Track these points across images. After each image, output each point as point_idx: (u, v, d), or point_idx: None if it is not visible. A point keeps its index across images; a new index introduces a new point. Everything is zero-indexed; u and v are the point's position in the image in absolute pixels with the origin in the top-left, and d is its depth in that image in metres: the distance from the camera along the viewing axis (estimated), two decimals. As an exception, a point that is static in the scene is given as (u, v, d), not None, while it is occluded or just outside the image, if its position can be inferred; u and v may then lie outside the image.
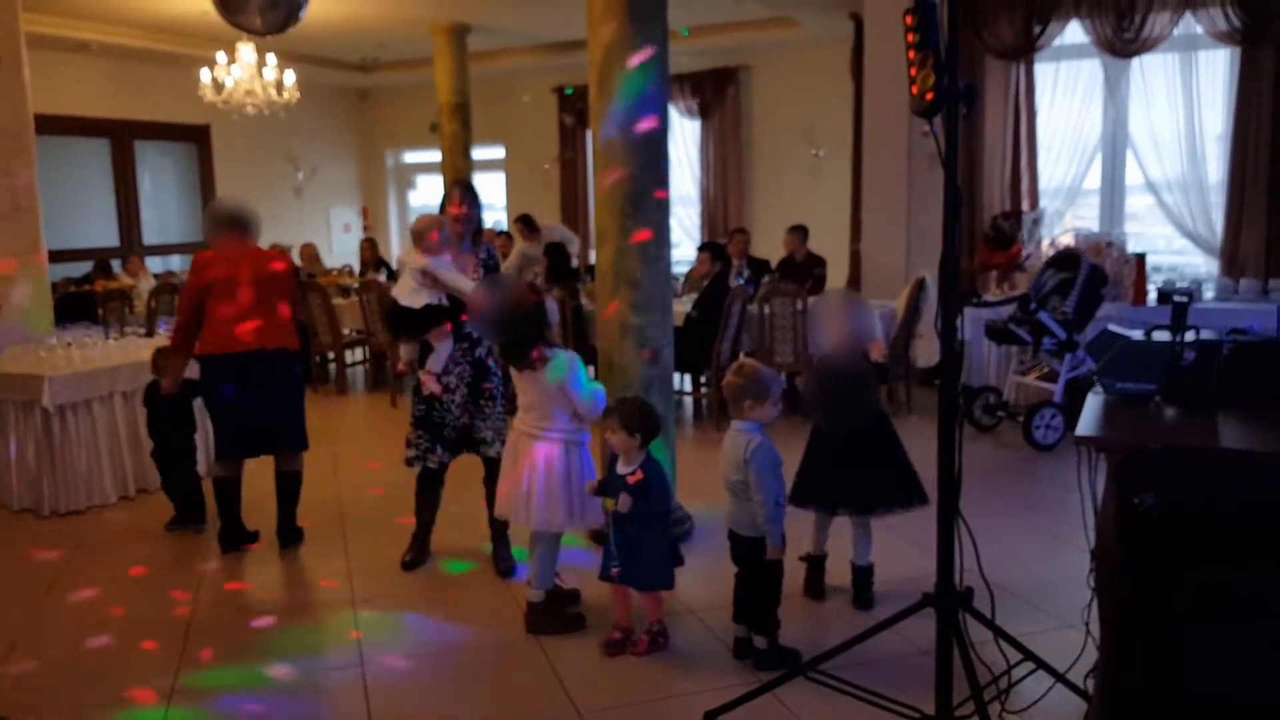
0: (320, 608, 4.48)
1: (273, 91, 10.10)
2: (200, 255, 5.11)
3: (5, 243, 6.44)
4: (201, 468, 5.78)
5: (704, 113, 12.78)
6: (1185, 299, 3.39)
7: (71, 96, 11.33)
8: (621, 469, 3.81)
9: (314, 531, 5.43)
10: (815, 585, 4.42)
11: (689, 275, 9.10)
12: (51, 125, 9.71)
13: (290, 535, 5.28)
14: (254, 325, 4.98)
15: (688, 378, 8.23)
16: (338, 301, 9.61)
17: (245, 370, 4.96)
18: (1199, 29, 8.26)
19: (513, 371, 4.08)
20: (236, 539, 5.22)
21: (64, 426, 5.72)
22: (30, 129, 6.77)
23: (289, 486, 5.27)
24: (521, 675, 3.78)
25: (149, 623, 4.34)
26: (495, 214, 14.86)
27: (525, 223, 10.55)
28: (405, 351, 4.90)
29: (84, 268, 10.99)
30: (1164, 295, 7.40)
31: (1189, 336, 3.20)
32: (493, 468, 4.61)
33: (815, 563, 4.44)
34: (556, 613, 4.17)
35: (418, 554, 4.89)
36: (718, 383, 7.66)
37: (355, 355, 10.61)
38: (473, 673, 3.80)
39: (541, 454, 3.98)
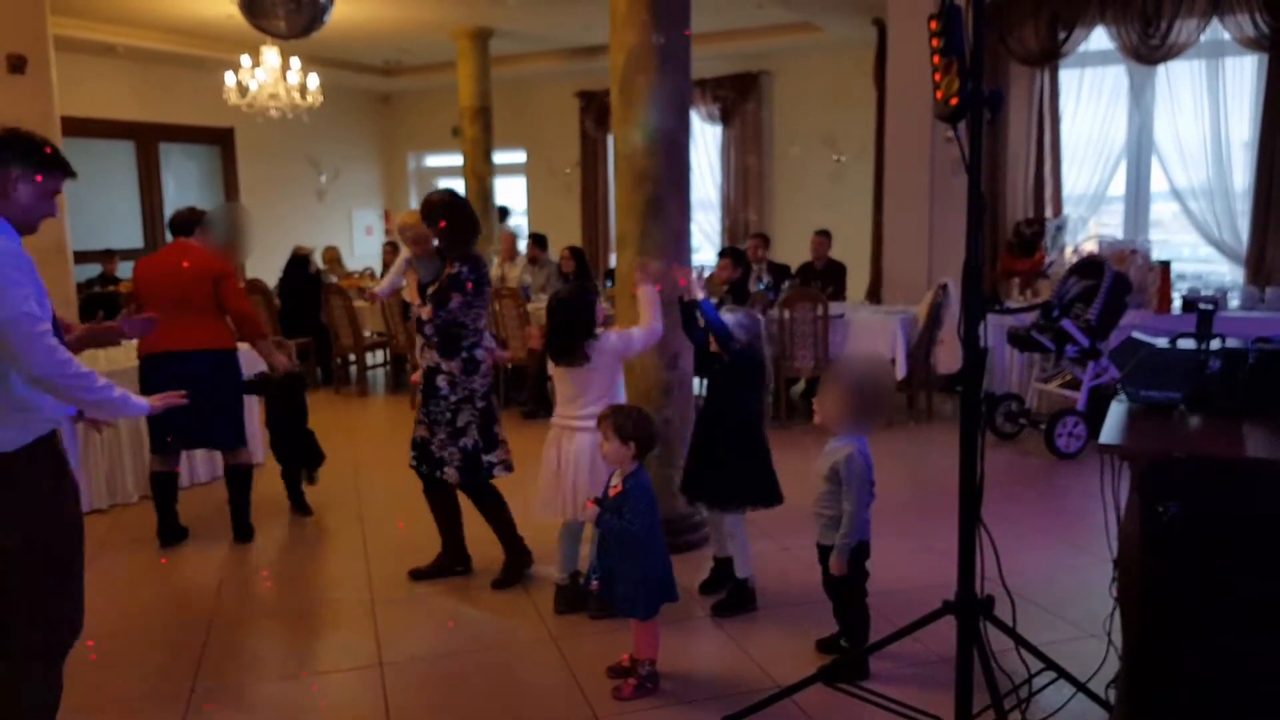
0: (340, 607, 4.50)
1: (296, 95, 10.16)
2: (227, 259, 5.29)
3: (31, 242, 6.48)
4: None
5: (725, 118, 12.77)
6: (1210, 307, 3.36)
7: (97, 99, 11.44)
8: (614, 481, 3.68)
9: (334, 532, 5.47)
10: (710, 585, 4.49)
11: (709, 280, 9.09)
12: (77, 127, 9.79)
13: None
14: None
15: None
16: (359, 304, 9.65)
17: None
18: (1226, 35, 8.20)
19: (553, 367, 4.24)
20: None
21: (87, 425, 5.75)
22: (56, 130, 6.84)
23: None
24: (539, 676, 3.78)
25: (170, 620, 4.37)
26: (515, 219, 14.90)
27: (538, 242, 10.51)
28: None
29: (108, 269, 11.08)
30: (1189, 303, 7.34)
31: (1214, 344, 3.17)
32: (467, 491, 4.63)
33: (719, 563, 4.51)
34: (583, 594, 4.27)
35: (429, 568, 4.76)
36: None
37: (376, 358, 10.66)
38: (490, 673, 3.80)
39: (581, 443, 4.08)
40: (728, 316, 4.16)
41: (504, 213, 12.61)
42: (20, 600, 2.64)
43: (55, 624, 2.75)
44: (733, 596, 4.32)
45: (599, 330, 4.18)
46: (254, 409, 6.31)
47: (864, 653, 3.65)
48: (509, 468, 4.58)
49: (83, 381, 2.66)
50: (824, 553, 3.71)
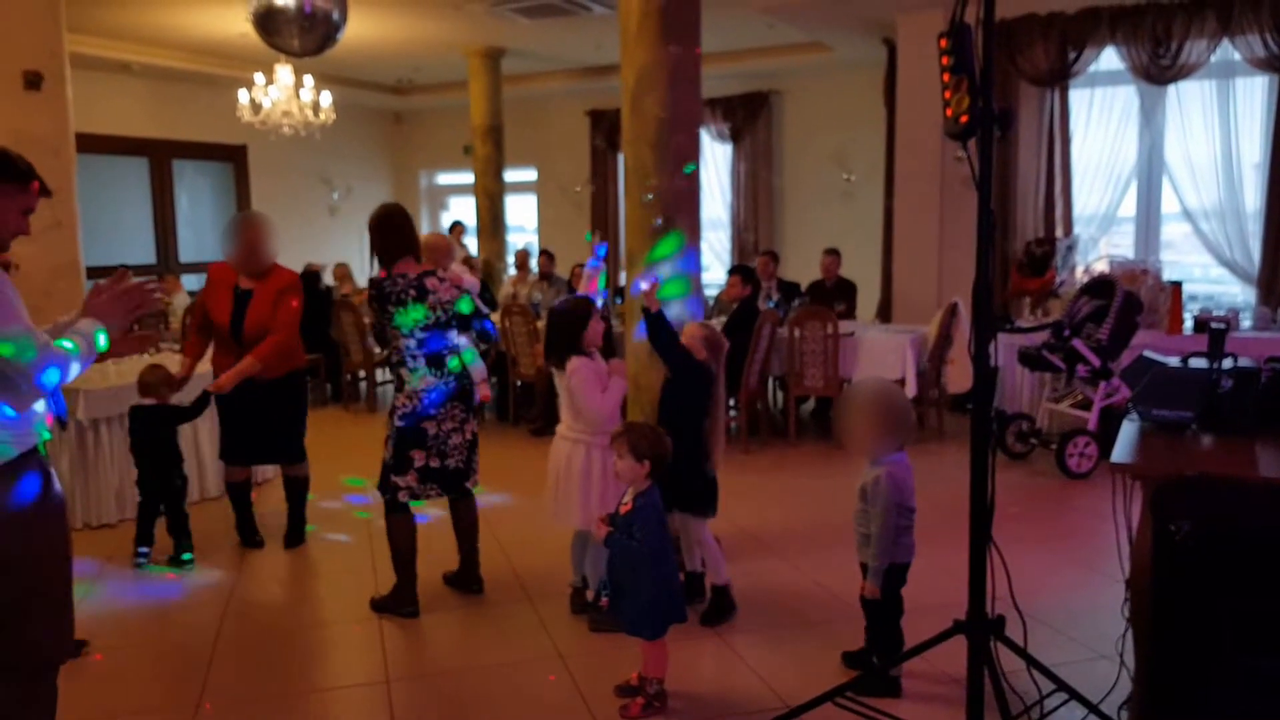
0: (347, 624, 4.49)
1: (309, 112, 10.22)
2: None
3: (44, 258, 6.53)
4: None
5: (735, 136, 12.80)
6: (1223, 326, 3.35)
7: (112, 116, 11.53)
8: (625, 499, 3.68)
9: (343, 549, 5.47)
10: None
11: (719, 298, 9.11)
12: (92, 144, 9.87)
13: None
14: None
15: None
16: (370, 321, 9.66)
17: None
18: (1237, 56, 8.19)
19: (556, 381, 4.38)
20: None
21: (98, 440, 5.79)
22: (71, 147, 6.88)
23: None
24: (546, 694, 3.76)
25: (176, 635, 4.37)
26: (526, 236, 14.95)
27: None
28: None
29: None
30: (1200, 323, 7.31)
31: (1226, 364, 3.16)
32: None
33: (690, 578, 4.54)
34: (586, 604, 4.39)
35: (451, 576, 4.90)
36: (748, 406, 7.65)
37: (386, 374, 10.67)
38: (497, 691, 3.79)
39: (564, 453, 4.24)
40: (693, 327, 4.37)
41: (459, 227, 12.58)
42: (5, 617, 2.61)
43: (43, 640, 2.70)
44: (715, 604, 4.38)
45: (590, 351, 4.26)
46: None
47: (887, 666, 3.63)
48: (414, 496, 4.47)
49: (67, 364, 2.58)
50: (864, 569, 3.71)
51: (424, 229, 16.13)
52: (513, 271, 11.30)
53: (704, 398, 4.29)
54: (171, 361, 5.80)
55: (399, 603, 4.53)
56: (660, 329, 4.25)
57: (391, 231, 4.54)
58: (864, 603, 3.76)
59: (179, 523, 5.27)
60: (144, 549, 5.22)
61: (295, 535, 5.55)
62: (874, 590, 3.60)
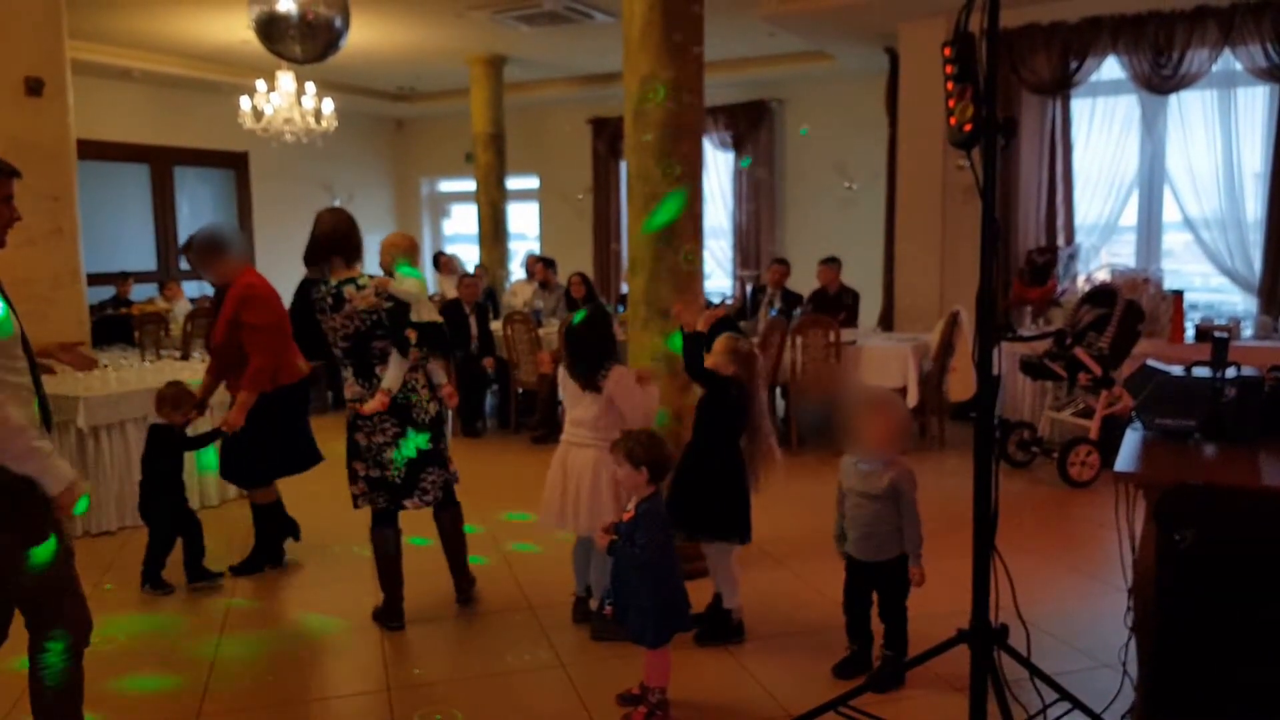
0: (346, 634, 4.48)
1: (311, 119, 10.23)
2: (262, 286, 5.13)
3: (45, 265, 6.53)
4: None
5: (738, 144, 12.82)
6: (1226, 335, 3.35)
7: (113, 122, 11.56)
8: (628, 506, 3.64)
9: (341, 558, 5.45)
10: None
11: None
12: (93, 150, 9.89)
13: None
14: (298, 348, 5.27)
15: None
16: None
17: (305, 392, 5.21)
18: (1238, 66, 8.20)
19: (564, 390, 4.33)
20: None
21: (98, 447, 5.77)
22: (72, 153, 6.88)
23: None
24: (548, 703, 3.75)
25: (175, 645, 4.36)
26: (528, 243, 14.96)
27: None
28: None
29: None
30: (1202, 332, 7.31)
31: (1229, 373, 3.15)
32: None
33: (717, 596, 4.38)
34: (590, 612, 4.38)
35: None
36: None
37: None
38: (499, 699, 3.78)
39: (586, 459, 4.14)
40: (721, 341, 4.21)
41: (444, 257, 12.51)
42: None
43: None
44: (714, 625, 4.24)
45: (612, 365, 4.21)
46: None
47: (904, 667, 3.66)
48: (370, 503, 4.44)
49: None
50: (874, 570, 3.79)
51: (425, 236, 16.15)
52: (520, 277, 11.27)
53: (736, 416, 4.08)
54: (171, 369, 5.79)
55: (386, 617, 4.49)
56: (687, 349, 4.08)
57: (322, 238, 4.51)
58: (892, 601, 3.84)
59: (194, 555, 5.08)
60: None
61: (246, 563, 5.22)
62: (923, 575, 3.72)
